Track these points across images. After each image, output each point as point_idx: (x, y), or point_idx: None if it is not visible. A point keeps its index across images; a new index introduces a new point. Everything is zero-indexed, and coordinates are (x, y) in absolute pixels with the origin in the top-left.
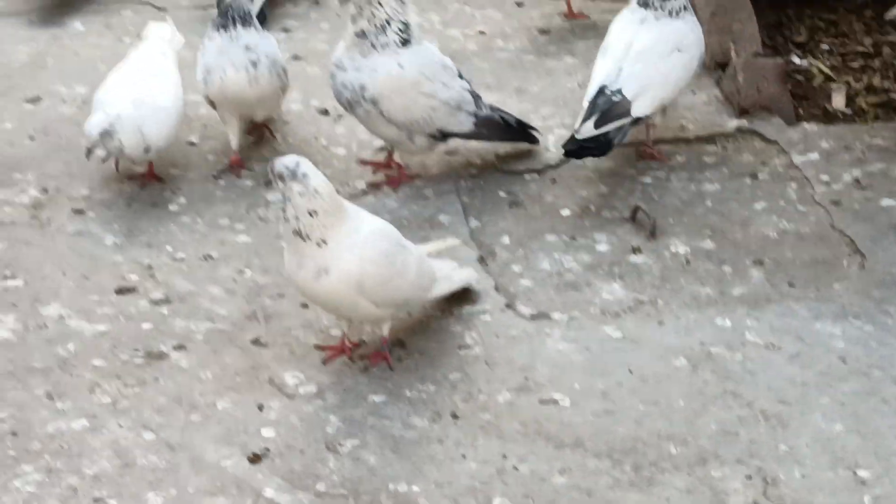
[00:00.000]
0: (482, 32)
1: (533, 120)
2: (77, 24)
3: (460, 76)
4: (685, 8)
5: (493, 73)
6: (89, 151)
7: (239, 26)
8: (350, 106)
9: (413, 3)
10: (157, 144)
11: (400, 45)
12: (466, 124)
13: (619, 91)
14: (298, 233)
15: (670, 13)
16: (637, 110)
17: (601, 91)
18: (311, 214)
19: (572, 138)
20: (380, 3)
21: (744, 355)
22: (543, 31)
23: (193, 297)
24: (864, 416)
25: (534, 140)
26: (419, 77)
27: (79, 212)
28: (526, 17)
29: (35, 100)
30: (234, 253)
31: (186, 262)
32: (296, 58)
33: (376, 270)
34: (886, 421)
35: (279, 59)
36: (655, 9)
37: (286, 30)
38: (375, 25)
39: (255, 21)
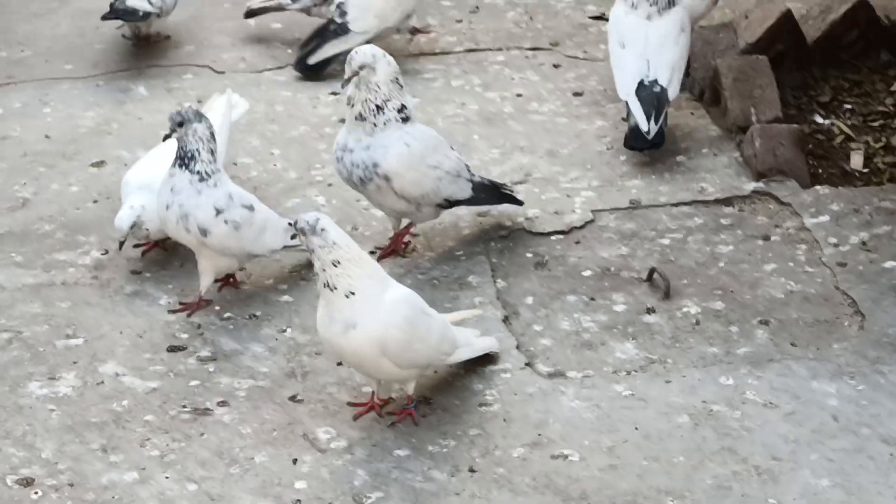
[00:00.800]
0: (519, 95)
1: (561, 182)
2: (141, 89)
3: (451, 147)
4: None
5: (526, 136)
6: (121, 244)
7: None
8: (361, 183)
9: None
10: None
11: (401, 122)
12: (466, 191)
13: (656, 81)
14: (327, 284)
15: (669, 4)
16: (671, 95)
17: (641, 85)
18: (335, 265)
19: (639, 137)
20: (377, 87)
21: (743, 413)
22: (577, 94)
23: (238, 355)
24: (850, 473)
25: (518, 202)
26: (426, 151)
27: (136, 273)
28: (561, 79)
29: (99, 164)
30: (276, 312)
31: (233, 321)
32: (342, 121)
33: (399, 335)
34: (871, 477)
35: (198, 215)
36: (656, 3)
37: (334, 93)
38: (372, 108)
39: (205, 167)
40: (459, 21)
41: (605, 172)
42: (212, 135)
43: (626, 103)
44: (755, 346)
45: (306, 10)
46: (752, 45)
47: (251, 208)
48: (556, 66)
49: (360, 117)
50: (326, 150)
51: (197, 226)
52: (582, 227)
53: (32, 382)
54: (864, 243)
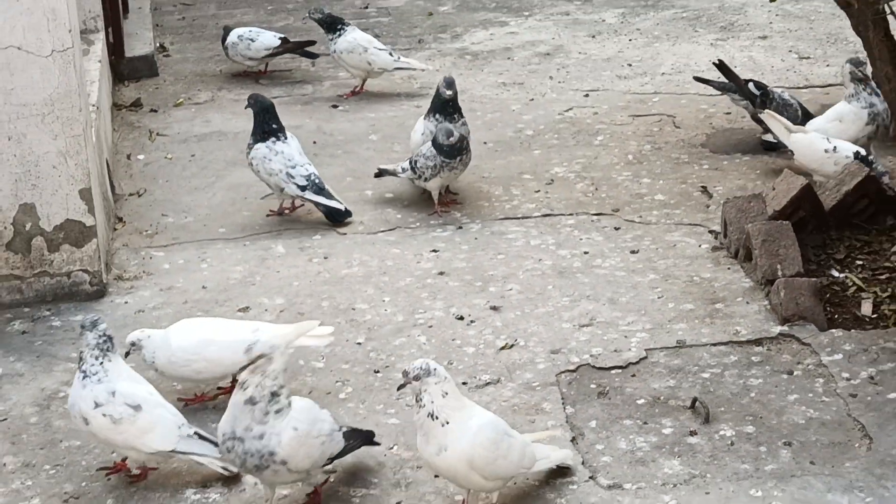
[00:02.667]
0: (586, 252)
1: (620, 325)
2: (279, 247)
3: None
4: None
5: (591, 287)
6: (126, 354)
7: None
8: (257, 470)
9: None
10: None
11: (288, 406)
12: (340, 443)
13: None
14: (431, 414)
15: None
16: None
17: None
18: (443, 396)
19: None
20: (275, 374)
21: None
22: (633, 252)
23: (355, 466)
24: None
25: (374, 443)
26: (311, 426)
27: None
28: (621, 239)
29: (245, 309)
30: (385, 432)
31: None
32: (441, 273)
33: (485, 453)
34: None
35: (81, 405)
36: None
37: (434, 250)
38: (266, 394)
39: (88, 366)
40: (537, 191)
41: (657, 317)
42: (100, 341)
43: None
44: (780, 464)
45: (411, 180)
46: (779, 212)
47: (137, 408)
48: (616, 229)
49: (252, 401)
50: (427, 298)
51: (80, 415)
52: (637, 363)
53: None
54: (871, 377)
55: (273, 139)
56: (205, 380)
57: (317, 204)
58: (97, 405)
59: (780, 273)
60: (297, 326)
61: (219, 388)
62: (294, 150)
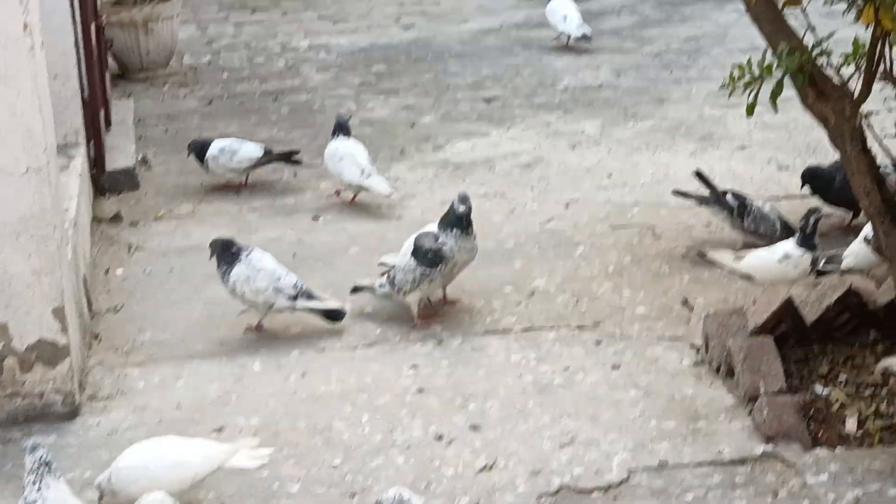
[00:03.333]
0: (566, 368)
1: (601, 444)
2: (256, 365)
3: None
4: None
5: (572, 404)
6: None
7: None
8: None
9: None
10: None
11: None
12: None
13: None
14: None
15: None
16: None
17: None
18: None
19: None
20: None
21: None
22: (615, 367)
23: None
24: None
25: None
26: None
27: None
28: (602, 353)
29: (219, 429)
30: None
31: None
32: (420, 390)
33: None
34: None
35: None
36: None
37: (414, 366)
38: None
39: (26, 491)
40: (519, 304)
41: (638, 436)
42: (34, 466)
43: None
44: None
45: (388, 296)
46: (760, 327)
47: None
48: (597, 343)
49: None
50: (406, 416)
51: None
52: (619, 484)
53: None
54: (857, 500)
55: (244, 255)
56: None
57: (311, 310)
58: None
59: (762, 390)
60: (230, 446)
61: None
62: (272, 263)
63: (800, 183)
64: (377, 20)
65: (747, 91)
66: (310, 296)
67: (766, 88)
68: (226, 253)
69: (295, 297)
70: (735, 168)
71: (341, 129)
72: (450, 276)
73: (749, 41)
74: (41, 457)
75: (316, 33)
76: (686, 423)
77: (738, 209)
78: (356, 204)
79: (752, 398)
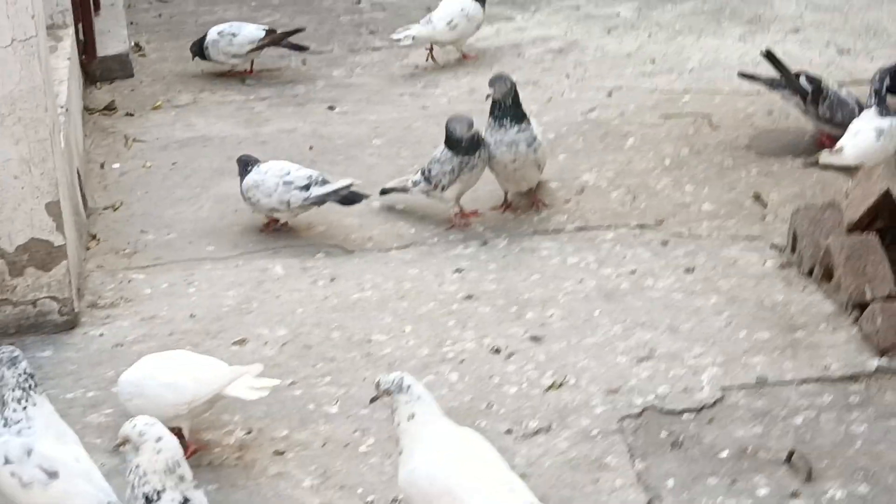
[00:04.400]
0: (633, 272)
1: (686, 359)
2: (278, 268)
3: None
4: None
5: (646, 312)
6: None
7: None
8: None
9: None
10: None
11: None
12: None
13: None
14: (397, 439)
15: None
16: None
17: None
18: (409, 418)
19: None
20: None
21: None
22: (689, 270)
23: None
24: None
25: None
26: None
27: (279, 453)
28: (671, 255)
29: (241, 342)
30: None
31: None
32: (468, 297)
33: (416, 492)
34: None
35: None
36: None
37: (458, 270)
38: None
39: (10, 413)
40: (568, 201)
41: (728, 349)
42: (20, 380)
43: None
44: None
45: (425, 193)
46: (854, 224)
47: (53, 475)
48: (663, 244)
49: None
50: (455, 327)
51: None
52: (713, 405)
53: None
54: None
55: (256, 166)
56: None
57: (328, 194)
58: (7, 461)
59: (869, 295)
60: (232, 370)
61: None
62: (281, 163)
63: (866, 67)
64: None
65: None
66: (325, 181)
67: None
68: (243, 169)
69: (307, 187)
70: (791, 51)
71: None
72: (513, 175)
73: None
74: (25, 368)
75: None
76: (782, 334)
77: (812, 94)
78: (375, 91)
79: (858, 305)
